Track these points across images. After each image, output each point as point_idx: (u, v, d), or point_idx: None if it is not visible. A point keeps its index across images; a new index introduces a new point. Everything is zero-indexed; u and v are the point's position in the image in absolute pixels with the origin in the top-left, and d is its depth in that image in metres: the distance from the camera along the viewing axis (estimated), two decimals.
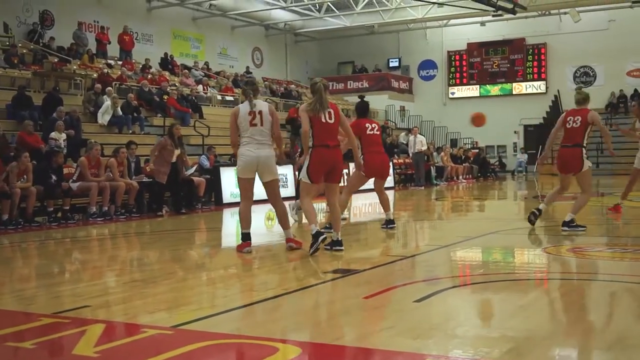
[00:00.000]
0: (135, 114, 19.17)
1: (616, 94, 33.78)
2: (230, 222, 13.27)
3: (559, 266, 7.19)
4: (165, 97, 21.25)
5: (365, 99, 10.46)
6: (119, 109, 18.48)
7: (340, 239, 7.83)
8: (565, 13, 32.54)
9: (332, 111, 7.74)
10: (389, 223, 10.18)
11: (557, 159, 9.76)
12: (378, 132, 10.02)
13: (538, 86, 35.69)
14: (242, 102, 8.40)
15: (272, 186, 8.10)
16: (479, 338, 4.28)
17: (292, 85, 32.44)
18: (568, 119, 9.49)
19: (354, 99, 33.79)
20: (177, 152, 13.97)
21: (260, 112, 7.85)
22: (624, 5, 30.88)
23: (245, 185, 8.07)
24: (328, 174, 7.81)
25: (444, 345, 4.16)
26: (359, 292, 5.61)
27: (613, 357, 3.89)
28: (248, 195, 8.11)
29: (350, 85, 36.23)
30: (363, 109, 10.19)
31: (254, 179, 8.02)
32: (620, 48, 32.79)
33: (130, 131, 18.54)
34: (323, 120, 7.65)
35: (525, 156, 33.25)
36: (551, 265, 7.23)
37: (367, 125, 9.87)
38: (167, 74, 25.49)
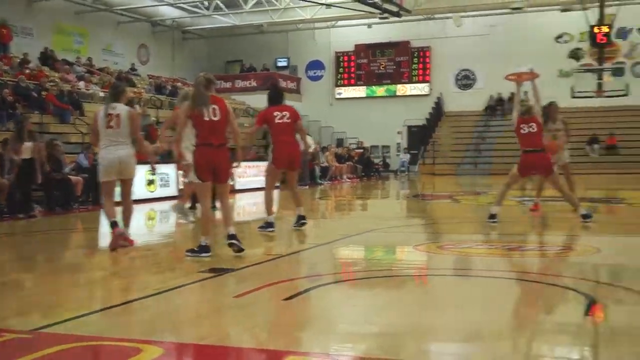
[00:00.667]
0: (10, 111, 18.39)
1: (494, 96, 35.15)
2: (106, 222, 12.95)
3: (430, 262, 7.43)
4: (44, 93, 20.51)
5: (277, 86, 10.18)
6: None
7: (234, 233, 7.45)
8: (448, 18, 33.64)
9: (217, 108, 7.31)
10: (300, 219, 9.87)
11: (523, 163, 10.17)
12: (289, 120, 9.53)
13: (422, 88, 36.71)
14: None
15: (127, 185, 8.44)
16: (347, 334, 4.38)
17: (179, 83, 32.02)
18: (522, 126, 10.06)
19: (242, 98, 34.11)
20: (28, 145, 13.37)
21: (117, 115, 8.09)
22: (504, 11, 32.23)
23: (108, 188, 8.31)
24: (214, 173, 7.40)
25: (309, 342, 4.24)
26: (231, 291, 5.62)
27: (474, 350, 4.08)
28: (111, 198, 8.32)
29: (238, 85, 36.11)
30: (273, 97, 9.80)
31: (115, 181, 8.28)
32: (499, 52, 34.06)
33: (5, 128, 17.78)
34: (206, 117, 7.24)
35: (408, 156, 34.10)
36: (422, 262, 7.48)
37: (275, 113, 9.50)
38: (46, 69, 24.60)
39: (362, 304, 5.39)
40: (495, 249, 8.26)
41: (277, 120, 9.50)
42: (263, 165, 21.95)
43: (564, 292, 5.62)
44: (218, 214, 8.13)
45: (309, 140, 23.81)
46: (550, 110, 11.17)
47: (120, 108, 8.17)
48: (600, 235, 9.54)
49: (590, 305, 5.02)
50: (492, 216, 10.18)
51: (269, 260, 7.48)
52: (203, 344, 4.18)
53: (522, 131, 10.09)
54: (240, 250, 7.27)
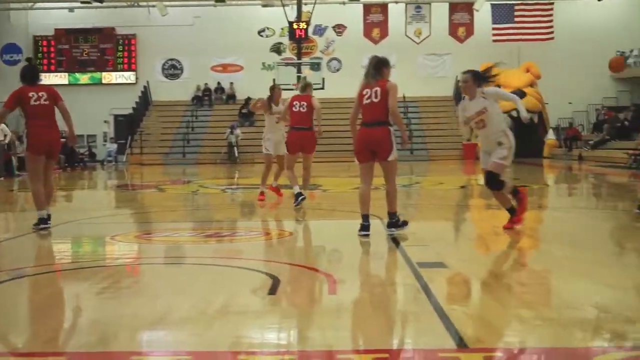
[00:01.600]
0: None
1: (202, 87, 35.56)
2: None
3: (126, 252, 7.34)
4: None
5: (32, 62, 9.00)
6: None
7: None
8: (153, 6, 33.32)
9: None
10: (45, 222, 8.66)
11: (290, 140, 10.82)
12: (46, 102, 8.44)
13: (128, 76, 35.98)
14: None
15: None
16: (41, 330, 4.19)
17: None
18: (294, 103, 10.51)
19: None
20: None
21: None
22: (208, 3, 32.69)
23: None
24: None
25: None
26: None
27: (177, 334, 4.10)
28: None
29: None
30: (27, 74, 8.59)
31: None
32: (205, 44, 34.54)
33: None
34: None
35: (115, 146, 33.29)
36: (118, 252, 7.34)
37: (30, 94, 8.37)
38: None
39: (50, 298, 5.16)
40: (193, 236, 8.37)
41: (32, 102, 8.42)
42: None
43: (254, 274, 5.85)
44: None
45: (3, 127, 22.25)
46: (274, 93, 11.55)
47: None
48: (296, 219, 10.11)
49: (275, 285, 5.28)
50: (299, 195, 10.51)
51: None
52: None
53: (293, 109, 10.61)
54: None
